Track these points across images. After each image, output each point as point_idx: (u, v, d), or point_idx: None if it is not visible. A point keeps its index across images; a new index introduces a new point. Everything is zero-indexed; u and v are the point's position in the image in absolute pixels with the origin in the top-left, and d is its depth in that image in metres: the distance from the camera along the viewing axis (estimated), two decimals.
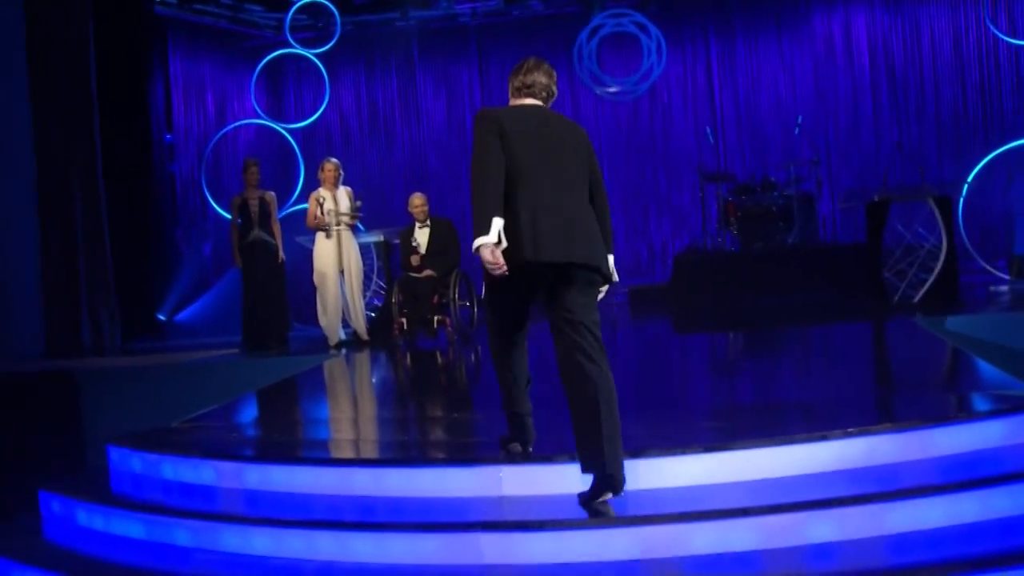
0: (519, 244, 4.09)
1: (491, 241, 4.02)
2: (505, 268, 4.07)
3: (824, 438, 4.36)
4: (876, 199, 10.39)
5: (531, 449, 4.52)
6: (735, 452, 4.34)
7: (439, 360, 9.47)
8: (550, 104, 4.47)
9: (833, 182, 14.91)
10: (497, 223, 4.04)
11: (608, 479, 4.01)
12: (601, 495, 4.05)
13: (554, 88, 4.46)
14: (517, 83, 4.43)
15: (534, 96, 4.42)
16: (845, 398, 5.75)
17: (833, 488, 4.09)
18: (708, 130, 14.36)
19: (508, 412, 4.55)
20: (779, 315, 11.07)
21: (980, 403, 5.28)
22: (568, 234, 4.13)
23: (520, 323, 4.44)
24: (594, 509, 4.04)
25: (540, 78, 4.41)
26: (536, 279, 4.21)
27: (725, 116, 15.59)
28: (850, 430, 4.39)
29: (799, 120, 13.78)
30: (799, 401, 5.87)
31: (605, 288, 4.33)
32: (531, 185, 4.16)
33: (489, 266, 4.05)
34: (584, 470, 4.09)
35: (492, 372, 4.60)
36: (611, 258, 4.33)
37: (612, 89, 15.07)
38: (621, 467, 4.02)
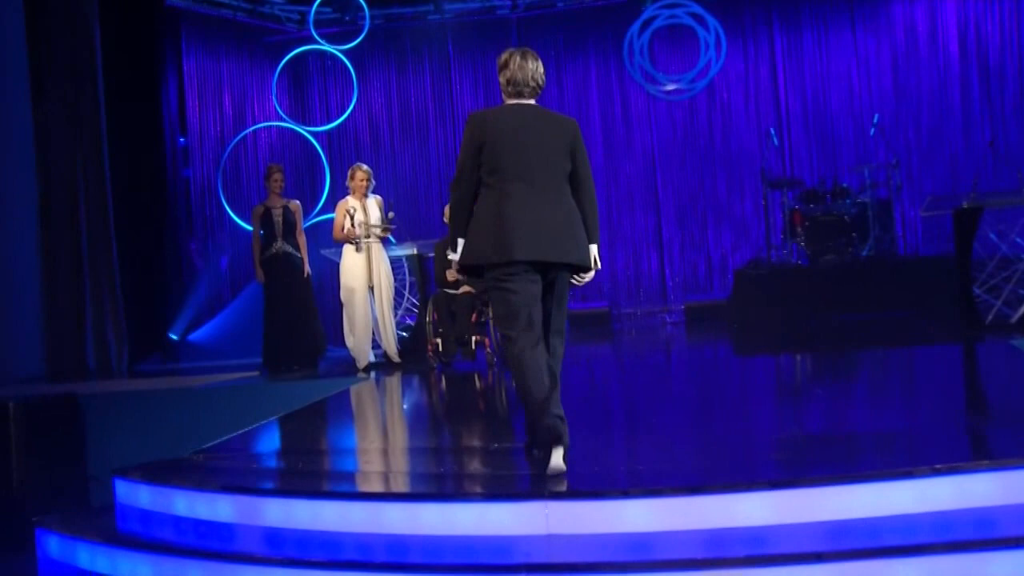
0: (488, 247, 4.82)
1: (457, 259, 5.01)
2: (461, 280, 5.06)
3: (908, 475, 4.29)
4: (965, 205, 10.23)
5: (565, 446, 4.70)
6: (806, 489, 4.28)
7: (477, 384, 9.46)
8: (538, 95, 5.05)
9: (914, 187, 14.73)
10: (460, 243, 4.97)
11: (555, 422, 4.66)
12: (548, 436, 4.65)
13: (541, 81, 5.04)
14: (503, 81, 5.03)
15: (521, 96, 5.01)
16: (931, 430, 5.66)
17: (920, 533, 4.02)
18: (772, 131, 14.27)
19: (534, 415, 4.79)
20: (853, 336, 10.96)
21: None
22: (540, 235, 4.80)
23: (525, 318, 4.84)
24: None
25: (524, 76, 4.98)
26: (530, 275, 4.84)
27: (791, 115, 15.48)
28: (938, 467, 4.31)
29: (875, 119, 13.68)
30: (878, 433, 5.78)
31: (590, 274, 5.04)
32: (509, 188, 4.85)
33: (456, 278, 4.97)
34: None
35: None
36: (594, 247, 5.01)
37: (667, 87, 15.03)
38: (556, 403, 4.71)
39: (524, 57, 5.00)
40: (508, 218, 4.81)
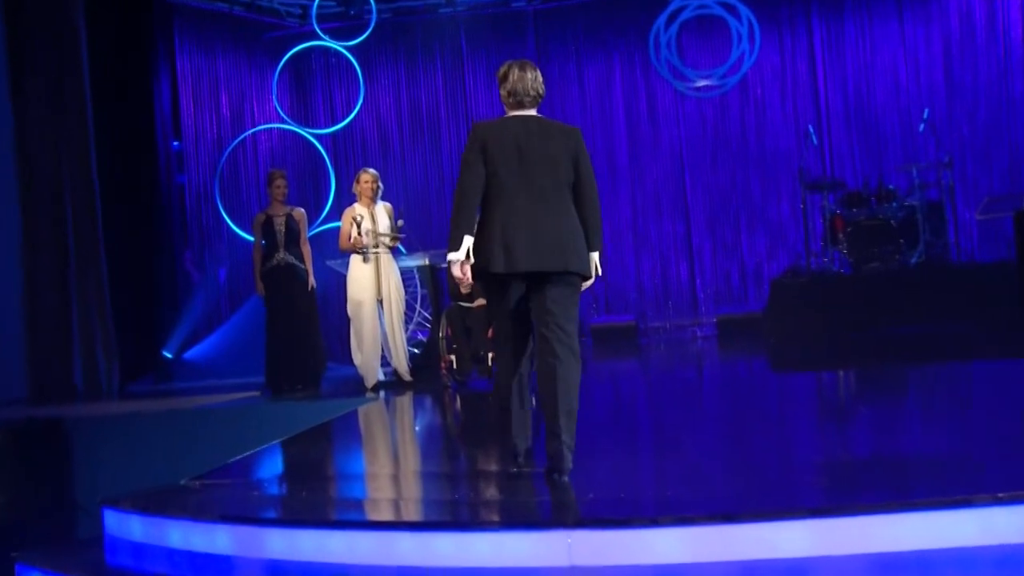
0: (495, 256, 5.23)
1: (459, 258, 5.29)
2: (470, 280, 5.41)
3: (966, 504, 4.22)
4: None
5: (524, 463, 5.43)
6: (852, 518, 4.24)
7: (494, 404, 9.44)
8: (539, 104, 5.51)
9: (968, 188, 14.68)
10: (467, 241, 5.30)
11: (558, 447, 5.08)
12: (553, 464, 5.09)
13: (541, 91, 5.51)
14: (504, 94, 5.49)
15: (522, 107, 5.46)
16: (992, 454, 5.60)
17: (979, 568, 3.99)
18: (811, 129, 14.25)
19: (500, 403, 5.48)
20: (901, 350, 10.92)
21: None
22: (540, 245, 5.22)
23: (516, 329, 5.40)
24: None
25: (524, 86, 5.44)
26: (515, 285, 5.30)
27: (832, 112, 15.47)
28: (1000, 495, 4.24)
29: (925, 114, 13.64)
30: (931, 456, 5.74)
31: (589, 282, 5.45)
32: (508, 199, 5.29)
33: (456, 279, 5.54)
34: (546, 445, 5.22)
35: None
36: (595, 255, 5.43)
37: (697, 83, 15.02)
38: (572, 437, 5.14)
39: (523, 68, 5.48)
40: (509, 229, 5.24)
